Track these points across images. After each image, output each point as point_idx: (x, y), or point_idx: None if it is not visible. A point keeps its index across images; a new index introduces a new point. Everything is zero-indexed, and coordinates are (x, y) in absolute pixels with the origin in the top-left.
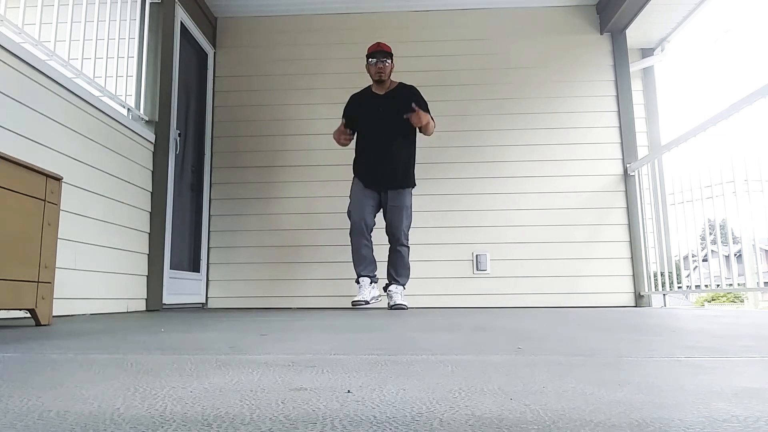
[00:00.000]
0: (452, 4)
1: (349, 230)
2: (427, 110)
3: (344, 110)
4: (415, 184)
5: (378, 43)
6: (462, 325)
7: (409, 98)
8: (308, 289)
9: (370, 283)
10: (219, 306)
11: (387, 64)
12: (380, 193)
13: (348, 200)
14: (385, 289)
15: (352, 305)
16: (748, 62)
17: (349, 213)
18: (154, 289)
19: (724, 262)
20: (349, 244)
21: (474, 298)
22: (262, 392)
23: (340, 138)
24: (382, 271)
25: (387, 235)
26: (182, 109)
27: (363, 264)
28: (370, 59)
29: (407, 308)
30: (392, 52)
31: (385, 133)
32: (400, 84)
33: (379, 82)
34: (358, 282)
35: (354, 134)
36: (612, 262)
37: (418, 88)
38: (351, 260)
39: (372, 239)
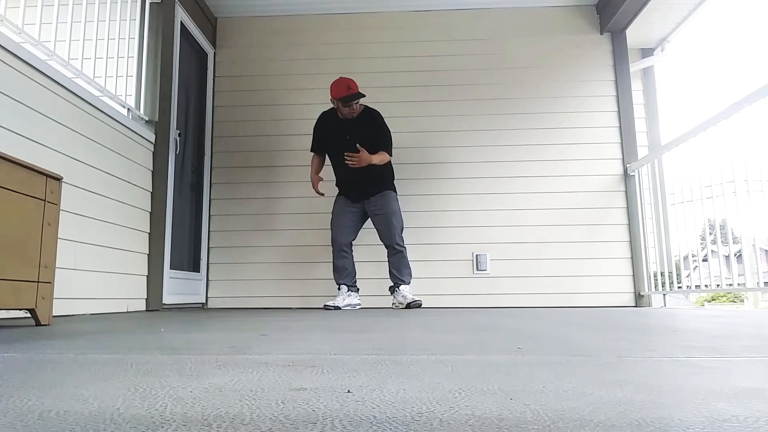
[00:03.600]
0: (451, 4)
1: (330, 242)
2: (388, 136)
3: (314, 129)
4: (396, 191)
5: (348, 85)
6: (462, 325)
7: (373, 123)
8: (308, 289)
9: (348, 290)
10: (219, 306)
11: (358, 104)
12: (363, 206)
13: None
14: (391, 291)
15: (323, 307)
16: (749, 62)
17: (331, 231)
18: (154, 289)
19: (724, 262)
20: (353, 244)
21: (474, 298)
22: (262, 392)
23: (311, 177)
24: (372, 272)
25: (382, 241)
26: (182, 109)
27: (342, 274)
28: (344, 103)
29: (422, 303)
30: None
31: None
32: (366, 108)
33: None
34: (338, 287)
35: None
36: (612, 262)
37: (381, 114)
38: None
39: (352, 251)
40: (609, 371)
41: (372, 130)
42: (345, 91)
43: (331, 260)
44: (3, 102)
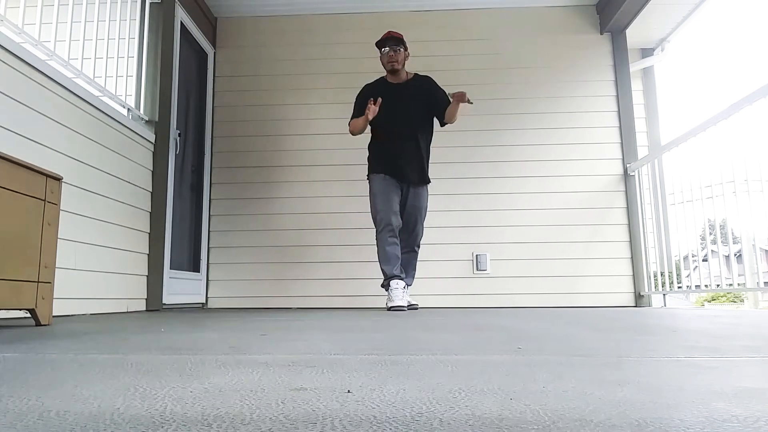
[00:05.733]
0: (452, 4)
1: (376, 231)
2: (447, 99)
3: (357, 100)
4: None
5: (388, 31)
6: (462, 325)
7: (429, 89)
8: (308, 289)
9: (404, 285)
10: (219, 306)
11: (399, 52)
12: (403, 189)
13: (369, 201)
14: (385, 287)
15: (389, 310)
16: (749, 62)
17: (375, 213)
18: (154, 289)
19: (724, 262)
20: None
21: (474, 298)
22: (262, 392)
23: (359, 125)
24: (372, 272)
25: (402, 234)
26: (182, 109)
27: (393, 263)
28: (381, 49)
29: (418, 306)
30: (404, 39)
31: (407, 125)
32: (416, 75)
33: (392, 72)
34: (388, 285)
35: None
36: (612, 262)
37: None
38: (353, 260)
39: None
40: (609, 371)
41: (427, 94)
42: (384, 36)
43: (376, 251)
44: (3, 102)
